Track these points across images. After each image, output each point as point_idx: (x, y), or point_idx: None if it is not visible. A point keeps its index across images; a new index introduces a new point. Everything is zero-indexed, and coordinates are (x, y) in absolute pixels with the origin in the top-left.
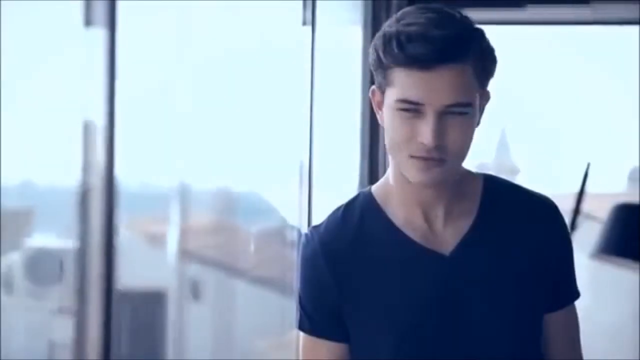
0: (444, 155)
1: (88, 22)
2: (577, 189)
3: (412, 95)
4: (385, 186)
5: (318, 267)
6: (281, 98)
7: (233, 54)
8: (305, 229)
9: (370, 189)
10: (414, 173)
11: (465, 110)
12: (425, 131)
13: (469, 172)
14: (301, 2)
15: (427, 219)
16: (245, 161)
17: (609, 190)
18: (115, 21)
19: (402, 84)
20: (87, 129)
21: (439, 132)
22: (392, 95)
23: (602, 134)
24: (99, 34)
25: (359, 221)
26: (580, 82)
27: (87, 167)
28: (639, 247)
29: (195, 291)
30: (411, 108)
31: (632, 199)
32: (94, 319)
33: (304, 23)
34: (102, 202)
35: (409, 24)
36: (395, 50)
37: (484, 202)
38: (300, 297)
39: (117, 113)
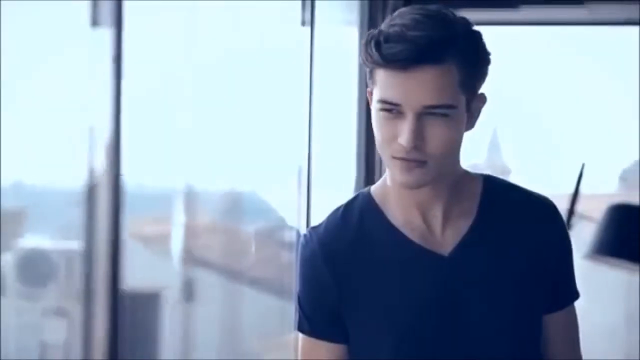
0: (424, 157)
1: (95, 22)
2: (570, 189)
3: (391, 96)
4: (384, 187)
5: (317, 268)
6: (279, 98)
7: (232, 54)
8: (303, 230)
9: (369, 189)
10: (397, 174)
11: (447, 112)
12: (403, 132)
13: (467, 173)
14: (300, 3)
15: (426, 219)
16: (243, 162)
17: (603, 191)
18: (122, 21)
19: (383, 84)
20: (93, 129)
21: (418, 133)
22: (375, 95)
23: (595, 134)
24: (106, 33)
25: (358, 222)
26: (574, 81)
27: (93, 167)
28: (633, 247)
29: (190, 292)
30: (392, 109)
31: (625, 199)
32: (99, 320)
33: (303, 23)
34: (108, 203)
35: (392, 25)
36: (373, 50)
37: (483, 202)
38: (299, 298)
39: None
